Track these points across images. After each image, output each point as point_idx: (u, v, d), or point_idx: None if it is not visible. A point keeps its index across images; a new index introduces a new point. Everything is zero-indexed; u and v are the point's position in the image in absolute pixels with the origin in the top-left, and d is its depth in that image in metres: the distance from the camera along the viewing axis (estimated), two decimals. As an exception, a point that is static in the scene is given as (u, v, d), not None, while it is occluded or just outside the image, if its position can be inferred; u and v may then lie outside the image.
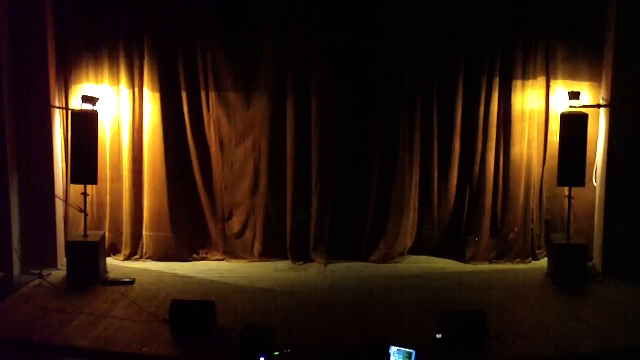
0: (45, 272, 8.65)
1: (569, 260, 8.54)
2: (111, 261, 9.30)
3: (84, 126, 8.73)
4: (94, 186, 9.17)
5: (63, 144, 9.22)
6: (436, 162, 9.35)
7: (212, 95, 9.25)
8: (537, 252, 9.44)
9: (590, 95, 9.04)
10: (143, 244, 9.48)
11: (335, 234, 9.44)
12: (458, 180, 9.38)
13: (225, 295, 8.11)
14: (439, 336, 6.55)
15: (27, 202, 8.79)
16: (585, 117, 8.69)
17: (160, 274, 8.98)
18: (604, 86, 8.93)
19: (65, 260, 8.90)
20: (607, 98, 8.79)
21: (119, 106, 9.31)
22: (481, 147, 9.27)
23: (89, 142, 8.74)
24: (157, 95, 9.24)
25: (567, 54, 9.13)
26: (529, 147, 9.24)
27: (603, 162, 8.88)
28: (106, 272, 8.88)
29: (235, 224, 9.50)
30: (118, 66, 9.22)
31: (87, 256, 8.62)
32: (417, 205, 9.44)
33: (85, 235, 8.85)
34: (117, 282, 8.55)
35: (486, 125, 9.24)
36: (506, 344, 6.78)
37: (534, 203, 9.35)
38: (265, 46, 9.21)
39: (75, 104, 9.04)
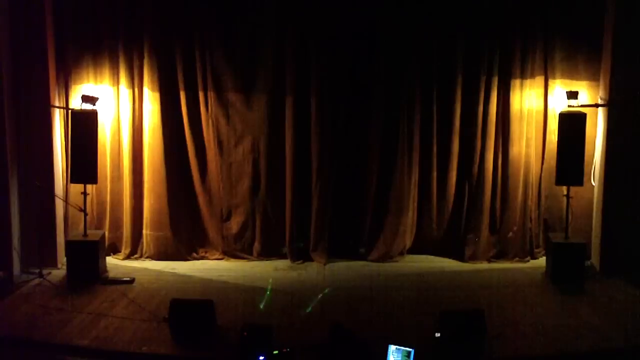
0: (45, 271, 8.69)
1: (567, 259, 8.57)
2: (111, 260, 9.32)
3: (84, 125, 8.76)
4: (94, 185, 9.19)
5: (63, 143, 9.24)
6: (435, 161, 9.36)
7: (211, 95, 9.25)
8: (536, 250, 9.46)
9: (588, 95, 9.05)
10: (143, 243, 9.50)
11: (334, 234, 9.45)
12: (457, 179, 9.39)
13: (225, 294, 8.14)
14: (438, 335, 6.57)
15: (27, 201, 8.81)
16: (583, 116, 8.71)
17: (159, 273, 8.99)
18: (602, 85, 8.94)
19: (65, 259, 8.92)
20: (605, 97, 8.80)
21: (118, 106, 9.33)
22: (480, 146, 9.29)
23: (89, 141, 8.77)
24: (157, 95, 9.25)
25: (565, 53, 9.15)
26: (527, 146, 9.27)
27: (601, 161, 8.91)
28: (106, 271, 8.89)
29: (233, 225, 9.51)
30: (118, 66, 9.23)
31: (87, 255, 8.64)
32: (416, 204, 9.46)
33: (85, 235, 8.88)
34: (117, 281, 8.57)
35: (485, 124, 9.25)
36: (505, 343, 6.81)
37: (532, 202, 9.37)
38: (264, 46, 9.21)
39: (75, 103, 9.05)
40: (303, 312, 7.49)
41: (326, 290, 7.96)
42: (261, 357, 6.24)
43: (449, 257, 9.50)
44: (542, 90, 9.25)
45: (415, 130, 9.29)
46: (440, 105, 9.27)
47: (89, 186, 8.99)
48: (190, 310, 7.07)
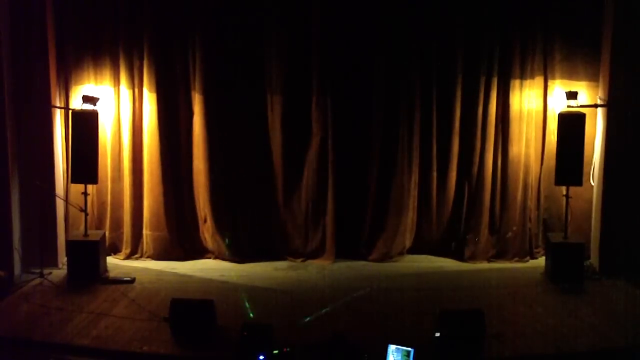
0: (45, 271, 8.70)
1: (566, 259, 8.59)
2: (111, 260, 9.34)
3: (85, 126, 8.78)
4: (95, 186, 9.20)
5: (63, 143, 9.25)
6: (435, 161, 9.37)
7: (200, 96, 9.22)
8: (535, 250, 9.48)
9: (587, 95, 9.07)
10: (143, 243, 9.51)
11: (334, 234, 9.44)
12: (457, 179, 9.41)
13: (225, 293, 8.15)
14: (438, 335, 6.59)
15: (27, 201, 8.83)
16: (582, 116, 8.73)
17: (160, 273, 9.01)
18: (601, 86, 8.96)
19: (65, 259, 8.95)
20: (605, 98, 8.82)
21: (119, 106, 9.34)
22: (479, 147, 9.30)
23: (89, 141, 8.79)
24: (155, 96, 9.26)
25: (565, 54, 9.16)
26: (527, 146, 9.28)
27: (600, 162, 8.93)
28: (106, 270, 8.91)
29: (210, 227, 9.47)
30: (118, 67, 9.25)
31: (88, 255, 8.66)
32: (416, 204, 9.47)
33: (86, 234, 8.90)
34: (117, 281, 8.58)
35: (484, 124, 9.26)
36: (504, 343, 6.82)
37: (531, 202, 9.39)
38: (263, 48, 9.20)
39: (76, 104, 9.07)
40: (304, 319, 7.40)
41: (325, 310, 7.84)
42: (261, 357, 6.27)
43: (449, 257, 9.51)
44: (541, 91, 9.26)
45: (415, 131, 9.30)
46: (440, 106, 9.28)
47: (89, 186, 9.00)
48: (190, 310, 7.08)
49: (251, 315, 7.51)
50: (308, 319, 7.38)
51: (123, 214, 9.48)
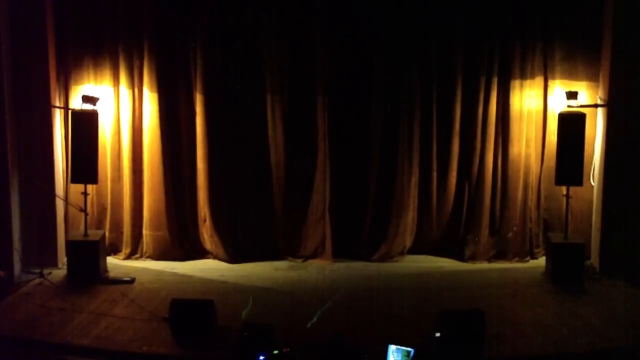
0: (45, 271, 8.70)
1: (566, 259, 8.59)
2: (111, 260, 9.33)
3: (84, 126, 8.77)
4: (95, 186, 9.19)
5: (63, 143, 9.25)
6: (435, 161, 9.37)
7: (201, 96, 9.22)
8: (535, 251, 9.47)
9: (587, 95, 9.07)
10: (143, 243, 9.51)
11: (334, 234, 9.44)
12: (457, 179, 9.41)
13: (225, 294, 8.15)
14: (438, 335, 6.59)
15: (27, 201, 8.83)
16: (582, 116, 8.72)
17: (160, 273, 9.00)
18: (601, 86, 8.96)
19: (65, 259, 8.94)
20: (605, 97, 8.82)
21: (118, 106, 9.33)
22: (480, 147, 9.30)
23: (89, 141, 8.78)
24: (156, 96, 9.26)
25: (565, 54, 9.16)
26: (527, 146, 9.28)
27: (601, 161, 8.93)
28: (106, 271, 8.91)
29: (209, 227, 9.47)
30: (118, 66, 9.24)
31: (88, 255, 8.66)
32: (416, 204, 9.47)
33: (86, 234, 8.89)
34: (117, 281, 8.58)
35: (485, 124, 9.26)
36: (505, 343, 6.82)
37: (532, 202, 9.39)
38: (263, 48, 9.20)
39: (76, 104, 9.07)
40: (307, 324, 7.31)
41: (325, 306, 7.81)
42: (261, 357, 6.26)
43: (449, 257, 9.50)
44: (541, 91, 9.26)
45: (415, 131, 9.30)
46: (440, 106, 9.27)
47: (89, 186, 9.00)
48: (190, 310, 7.08)
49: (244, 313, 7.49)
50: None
51: (123, 214, 9.47)
